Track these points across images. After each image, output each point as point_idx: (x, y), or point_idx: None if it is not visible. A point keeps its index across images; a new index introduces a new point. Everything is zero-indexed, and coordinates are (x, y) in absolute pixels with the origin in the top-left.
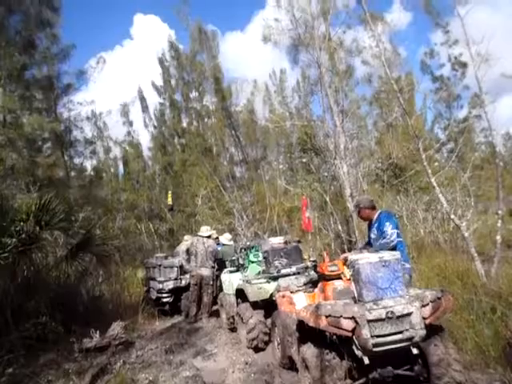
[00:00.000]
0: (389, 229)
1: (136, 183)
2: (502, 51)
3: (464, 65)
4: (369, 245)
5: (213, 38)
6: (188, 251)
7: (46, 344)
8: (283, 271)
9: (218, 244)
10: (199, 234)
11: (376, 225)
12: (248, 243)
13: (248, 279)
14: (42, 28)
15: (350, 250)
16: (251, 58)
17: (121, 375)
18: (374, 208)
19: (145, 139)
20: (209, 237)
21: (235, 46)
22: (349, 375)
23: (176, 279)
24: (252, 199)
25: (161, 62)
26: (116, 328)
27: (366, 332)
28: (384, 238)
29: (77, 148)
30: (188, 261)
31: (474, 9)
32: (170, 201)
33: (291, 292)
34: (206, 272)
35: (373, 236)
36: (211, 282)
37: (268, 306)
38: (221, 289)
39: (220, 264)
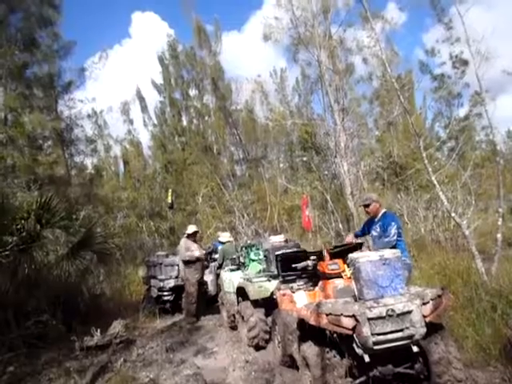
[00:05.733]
0: (393, 229)
1: (136, 181)
2: (496, 49)
3: (465, 62)
4: (360, 236)
5: (215, 34)
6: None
7: (47, 342)
8: None
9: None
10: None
11: (380, 223)
12: (249, 242)
13: (249, 277)
14: (43, 26)
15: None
16: (248, 58)
17: (122, 373)
18: (380, 204)
19: (145, 137)
20: (189, 236)
21: (232, 45)
22: (349, 373)
23: (177, 277)
24: (252, 198)
25: (160, 60)
26: (117, 326)
27: (366, 330)
28: (387, 236)
29: (77, 146)
30: None
31: (466, 7)
32: (169, 199)
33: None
34: (182, 273)
35: (375, 233)
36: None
37: (269, 305)
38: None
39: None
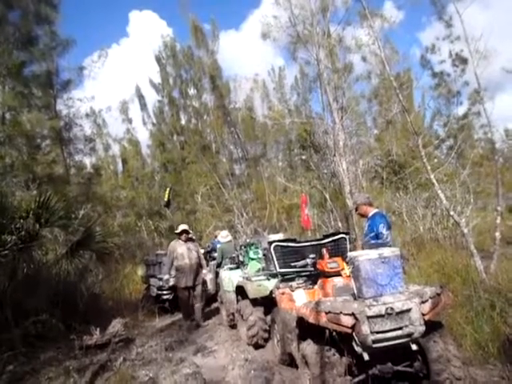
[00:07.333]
0: (383, 230)
1: (135, 180)
2: (495, 48)
3: (464, 61)
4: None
5: (212, 33)
6: None
7: (47, 341)
8: None
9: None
10: None
11: (369, 222)
12: (248, 240)
13: (248, 276)
14: (41, 24)
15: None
16: (246, 57)
17: (121, 372)
18: (370, 205)
19: (144, 136)
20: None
21: (230, 44)
22: (348, 371)
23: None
24: (251, 196)
25: (158, 59)
26: (116, 325)
27: (365, 328)
28: (380, 238)
29: (76, 145)
30: None
31: (464, 6)
32: (166, 197)
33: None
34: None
35: (364, 233)
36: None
37: (268, 303)
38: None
39: None
